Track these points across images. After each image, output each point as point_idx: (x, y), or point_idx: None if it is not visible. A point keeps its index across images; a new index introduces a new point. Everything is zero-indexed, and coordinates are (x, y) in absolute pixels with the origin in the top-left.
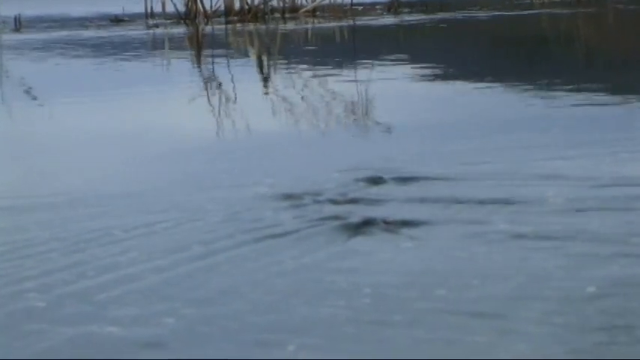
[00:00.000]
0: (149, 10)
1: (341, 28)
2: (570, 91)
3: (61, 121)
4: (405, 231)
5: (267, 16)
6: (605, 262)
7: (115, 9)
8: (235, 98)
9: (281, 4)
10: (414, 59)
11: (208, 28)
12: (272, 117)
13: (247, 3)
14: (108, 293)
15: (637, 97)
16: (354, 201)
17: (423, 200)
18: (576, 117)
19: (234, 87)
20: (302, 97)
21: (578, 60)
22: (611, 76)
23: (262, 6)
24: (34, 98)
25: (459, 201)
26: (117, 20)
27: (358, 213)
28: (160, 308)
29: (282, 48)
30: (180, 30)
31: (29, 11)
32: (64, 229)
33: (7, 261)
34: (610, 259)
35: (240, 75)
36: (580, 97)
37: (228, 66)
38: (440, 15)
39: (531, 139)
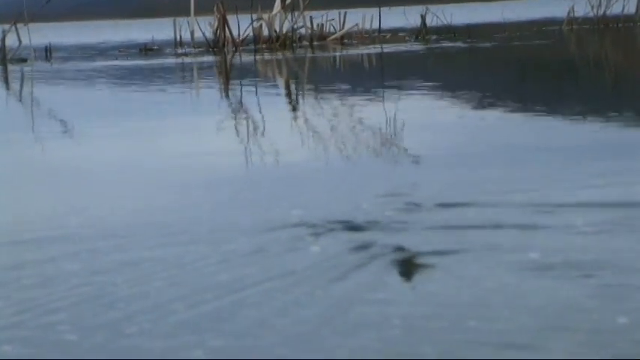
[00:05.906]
0: (178, 39)
1: (369, 55)
2: (598, 117)
3: (90, 150)
4: (435, 260)
5: (295, 44)
6: (636, 292)
7: (145, 37)
8: (264, 127)
9: (309, 32)
10: (441, 86)
11: (237, 57)
12: (300, 145)
13: (276, 31)
14: (138, 325)
15: None
16: (382, 229)
17: (451, 228)
18: (606, 143)
19: (262, 115)
20: (330, 126)
21: (606, 86)
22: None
23: (291, 34)
24: (64, 128)
25: (488, 229)
26: (147, 49)
27: (387, 242)
28: (188, 340)
29: (311, 76)
30: (208, 58)
31: (60, 40)
32: (92, 260)
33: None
34: None
35: (268, 103)
36: (608, 123)
37: (257, 94)
38: (468, 42)
39: (560, 167)
